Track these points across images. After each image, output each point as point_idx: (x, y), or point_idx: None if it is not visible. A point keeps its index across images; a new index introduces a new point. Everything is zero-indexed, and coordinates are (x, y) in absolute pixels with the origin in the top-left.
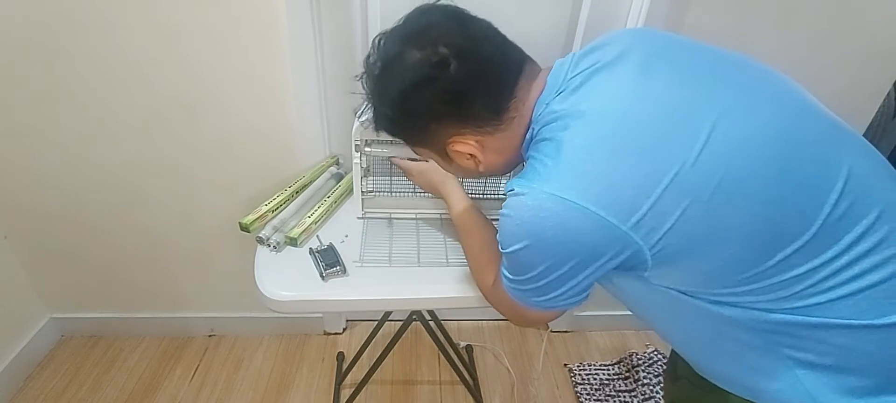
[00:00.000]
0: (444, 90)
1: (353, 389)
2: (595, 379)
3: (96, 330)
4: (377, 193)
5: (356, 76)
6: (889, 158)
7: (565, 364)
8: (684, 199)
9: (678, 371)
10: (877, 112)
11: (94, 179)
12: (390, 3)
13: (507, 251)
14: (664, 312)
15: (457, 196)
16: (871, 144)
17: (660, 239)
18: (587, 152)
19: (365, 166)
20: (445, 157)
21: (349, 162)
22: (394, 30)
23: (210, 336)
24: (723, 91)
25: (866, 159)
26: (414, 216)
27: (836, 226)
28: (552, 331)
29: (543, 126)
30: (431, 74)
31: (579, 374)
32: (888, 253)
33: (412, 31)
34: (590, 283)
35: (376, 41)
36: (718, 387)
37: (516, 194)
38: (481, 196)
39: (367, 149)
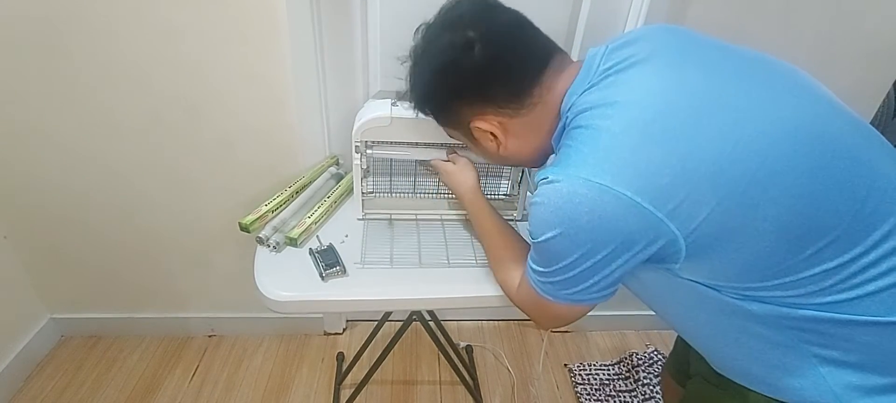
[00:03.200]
0: (468, 70)
1: (353, 389)
2: (595, 379)
3: (96, 330)
4: (377, 194)
5: (399, 58)
6: None
7: (565, 365)
8: (721, 189)
9: (691, 369)
10: (877, 112)
11: (94, 179)
12: (390, 4)
13: (538, 240)
14: (688, 308)
15: (479, 202)
16: (889, 143)
17: (695, 228)
18: (624, 139)
19: (365, 167)
20: (469, 136)
21: (349, 162)
22: (434, 19)
23: (210, 336)
24: (754, 87)
25: (888, 157)
26: (414, 217)
27: (865, 222)
28: (552, 332)
29: (577, 115)
30: (457, 56)
31: (579, 374)
32: None
33: (447, 19)
34: (620, 275)
35: (419, 29)
36: (737, 384)
37: (550, 181)
38: (490, 196)
39: (368, 151)
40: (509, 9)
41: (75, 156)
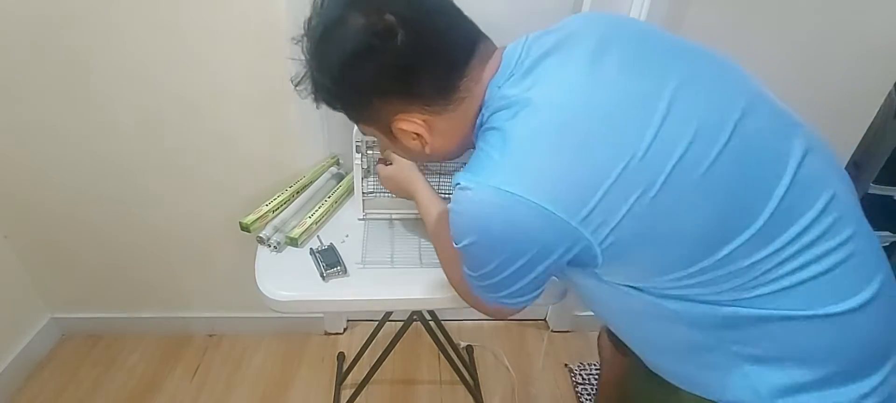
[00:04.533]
0: (389, 63)
1: (353, 389)
2: (595, 379)
3: (97, 329)
4: (378, 194)
5: (293, 38)
6: (889, 158)
7: (566, 364)
8: (632, 193)
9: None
10: (877, 112)
11: (94, 179)
12: None
13: (458, 246)
14: (617, 309)
15: (426, 194)
16: (817, 133)
17: (608, 233)
18: (534, 144)
19: (365, 167)
20: (390, 136)
21: (349, 162)
22: None
23: (210, 335)
24: (674, 80)
25: (813, 149)
26: (415, 216)
27: (781, 219)
28: (553, 331)
29: (493, 112)
30: (375, 44)
31: (580, 374)
32: (831, 244)
33: None
34: (546, 278)
35: (318, 1)
36: (668, 382)
37: (463, 188)
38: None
39: (368, 151)
40: None
41: (76, 155)
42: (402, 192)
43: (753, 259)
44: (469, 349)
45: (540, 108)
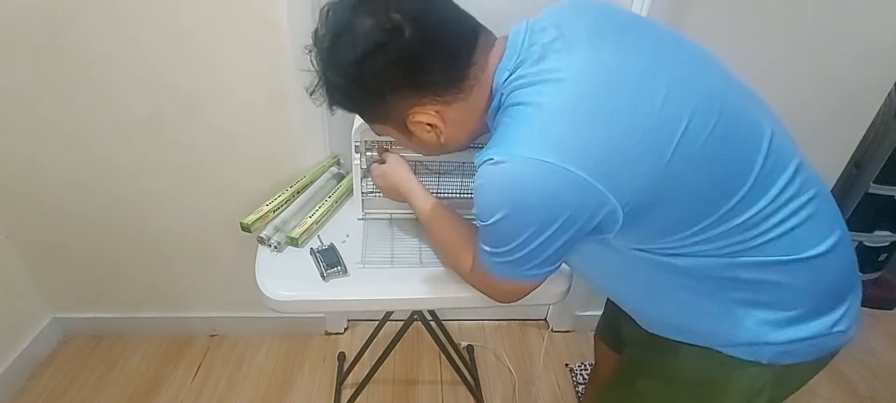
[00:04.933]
0: (399, 58)
1: (354, 389)
2: None
3: (98, 329)
4: (377, 194)
5: (305, 48)
6: (889, 158)
7: (566, 364)
8: (651, 157)
9: (624, 335)
10: (877, 112)
11: (96, 179)
12: None
13: (487, 222)
14: (621, 274)
15: (419, 193)
16: (773, 110)
17: (631, 196)
18: (563, 115)
19: (365, 167)
20: (405, 131)
21: (350, 162)
22: None
23: (212, 335)
24: (666, 59)
25: (777, 125)
26: (414, 216)
27: (766, 178)
28: (553, 331)
29: (513, 91)
30: (385, 41)
31: (580, 374)
32: (802, 200)
33: None
34: (567, 250)
35: (324, 12)
36: (668, 342)
37: (496, 162)
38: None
39: (367, 153)
40: None
41: (77, 155)
42: (394, 191)
43: (745, 216)
44: (470, 348)
45: (562, 84)
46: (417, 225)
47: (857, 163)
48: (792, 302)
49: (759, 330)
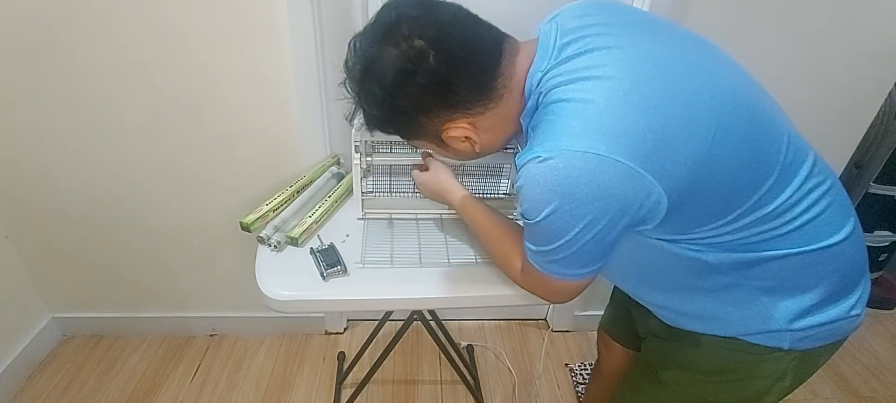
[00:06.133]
0: (426, 82)
1: (353, 389)
2: None
3: (98, 329)
4: (377, 194)
5: (340, 82)
6: (889, 158)
7: (566, 364)
8: (692, 147)
9: (640, 330)
10: (878, 112)
11: (95, 179)
12: None
13: (535, 220)
14: (648, 265)
15: (461, 196)
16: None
17: (675, 184)
18: (609, 109)
19: (365, 167)
20: (442, 145)
21: (350, 161)
22: (366, 30)
23: (211, 335)
24: (695, 58)
25: (784, 114)
26: (414, 216)
27: (788, 170)
28: (553, 331)
29: (552, 89)
30: (411, 69)
31: (580, 374)
32: (821, 191)
33: (384, 29)
34: (615, 241)
35: (352, 44)
36: (688, 334)
37: (543, 159)
38: (490, 195)
39: (367, 158)
40: (448, 3)
41: (77, 155)
42: (438, 197)
43: (772, 206)
44: (470, 348)
45: (604, 79)
46: (417, 225)
47: (857, 164)
48: (813, 289)
49: (783, 318)
